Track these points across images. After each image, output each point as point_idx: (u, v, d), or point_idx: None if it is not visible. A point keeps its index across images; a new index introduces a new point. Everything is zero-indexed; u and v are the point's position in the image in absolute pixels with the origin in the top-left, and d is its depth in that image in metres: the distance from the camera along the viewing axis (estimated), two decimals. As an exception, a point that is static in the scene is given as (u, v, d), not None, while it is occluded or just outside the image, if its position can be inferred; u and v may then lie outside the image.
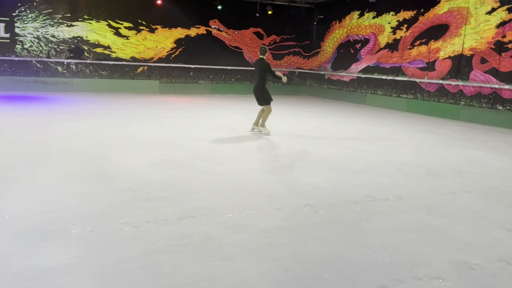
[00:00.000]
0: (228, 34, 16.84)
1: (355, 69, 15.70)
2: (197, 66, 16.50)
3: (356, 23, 15.58)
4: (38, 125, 7.96)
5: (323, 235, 3.51)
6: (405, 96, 13.65)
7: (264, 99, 8.12)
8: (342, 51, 16.36)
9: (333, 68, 16.94)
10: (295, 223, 3.75)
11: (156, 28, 15.74)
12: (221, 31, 16.70)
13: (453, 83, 11.98)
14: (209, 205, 4.13)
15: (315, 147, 7.19)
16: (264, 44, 8.61)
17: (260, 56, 8.12)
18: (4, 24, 13.74)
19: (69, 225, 3.44)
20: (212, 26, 16.54)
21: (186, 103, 13.40)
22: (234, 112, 11.56)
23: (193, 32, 16.31)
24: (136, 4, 15.36)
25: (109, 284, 2.60)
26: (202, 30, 16.43)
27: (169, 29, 15.93)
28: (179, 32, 16.14)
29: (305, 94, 18.35)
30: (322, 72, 17.57)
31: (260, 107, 8.33)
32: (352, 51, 15.81)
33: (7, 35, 13.85)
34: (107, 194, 4.25)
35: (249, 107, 12.77)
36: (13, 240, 3.10)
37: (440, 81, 12.38)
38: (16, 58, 14.01)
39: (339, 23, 16.46)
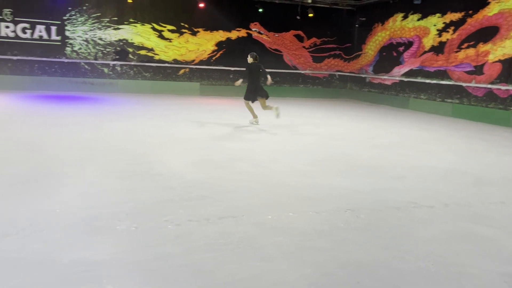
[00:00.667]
0: (269, 37, 16.90)
1: (398, 73, 15.34)
2: (237, 69, 16.65)
3: (400, 26, 15.22)
4: (87, 124, 8.30)
5: (365, 241, 3.45)
6: (450, 100, 13.19)
7: (266, 93, 9.39)
8: (384, 54, 16.03)
9: (374, 71, 16.63)
10: (336, 227, 3.71)
11: (198, 31, 16.04)
12: (261, 33, 16.79)
13: (503, 87, 11.45)
14: (249, 206, 4.15)
15: (355, 151, 7.08)
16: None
17: (254, 61, 9.40)
18: (55, 27, 14.45)
19: (115, 221, 3.56)
20: (253, 29, 16.66)
21: (226, 105, 13.56)
22: (272, 114, 11.55)
23: (234, 35, 16.49)
24: (180, 7, 15.72)
25: (154, 280, 2.67)
26: (243, 33, 16.59)
27: (210, 32, 16.19)
28: (220, 35, 16.37)
29: (345, 97, 18.11)
30: (363, 75, 17.28)
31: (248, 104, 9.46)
32: (394, 54, 15.46)
33: (59, 38, 14.55)
34: (151, 192, 4.37)
35: (288, 109, 12.75)
36: (64, 233, 3.25)
37: (489, 86, 11.87)
38: (66, 60, 14.68)
39: (381, 25, 16.15)
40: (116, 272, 2.73)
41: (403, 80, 15.08)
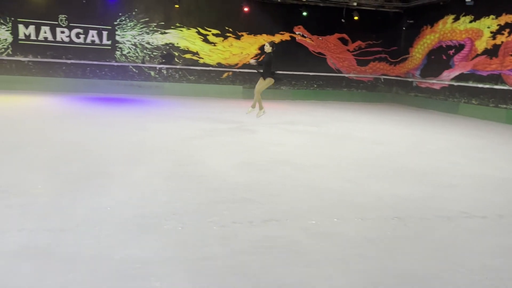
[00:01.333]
0: (312, 40, 16.80)
1: (447, 77, 14.78)
2: (279, 72, 16.63)
3: (450, 28, 14.67)
4: (134, 125, 8.57)
5: (414, 250, 3.34)
6: (505, 106, 12.54)
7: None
8: (433, 57, 15.50)
9: (422, 75, 16.11)
10: (383, 235, 3.61)
11: (242, 35, 16.19)
12: (305, 37, 16.71)
13: None
14: (292, 209, 4.13)
15: (402, 157, 6.88)
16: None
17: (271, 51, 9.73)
18: (106, 32, 15.07)
19: (162, 220, 3.64)
20: (297, 33, 16.62)
21: (268, 108, 13.56)
22: (315, 118, 11.48)
23: (277, 38, 16.50)
24: (225, 12, 15.94)
25: (199, 279, 2.71)
26: (286, 36, 16.58)
27: (254, 35, 16.30)
28: (264, 39, 16.42)
29: (390, 102, 17.65)
30: (409, 79, 16.79)
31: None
32: (444, 57, 14.90)
33: (109, 42, 15.15)
34: (196, 193, 4.45)
35: (332, 113, 12.61)
36: (114, 231, 3.36)
37: (547, 91, 11.18)
38: (116, 63, 15.26)
39: (430, 27, 15.63)
40: (163, 270, 2.80)
41: (452, 85, 14.51)
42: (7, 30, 14.17)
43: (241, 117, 10.80)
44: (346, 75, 17.39)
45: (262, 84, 9.74)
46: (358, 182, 5.25)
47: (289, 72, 16.69)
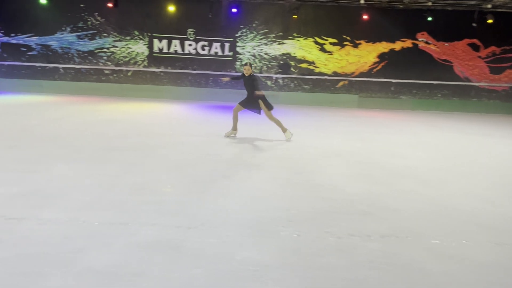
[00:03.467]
0: (437, 47, 15.70)
1: None
2: (399, 81, 15.89)
3: None
4: (252, 132, 8.91)
5: None
6: None
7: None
8: None
9: None
10: (524, 264, 3.18)
11: (360, 43, 15.84)
12: (429, 43, 15.69)
13: None
14: (414, 227, 3.87)
15: (546, 177, 6.01)
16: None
17: (251, 71, 7.98)
18: (229, 44, 16.01)
19: (279, 226, 3.71)
20: (420, 39, 15.69)
21: (386, 118, 13.03)
22: (440, 130, 10.67)
23: (397, 45, 15.81)
24: (343, 20, 15.79)
25: (317, 289, 2.69)
26: (408, 43, 15.78)
27: (373, 43, 15.83)
28: (383, 46, 15.88)
29: (530, 114, 15.62)
30: (555, 88, 14.66)
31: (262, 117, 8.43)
32: None
33: (230, 54, 16.08)
34: (312, 202, 4.44)
35: (457, 124, 11.59)
36: (235, 232, 3.52)
37: None
38: (235, 73, 16.09)
39: None
40: (280, 275, 2.83)
41: None
42: (144, 45, 15.94)
43: (357, 127, 10.55)
44: (476, 84, 15.87)
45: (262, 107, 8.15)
46: (493, 202, 4.73)
47: (409, 80, 15.84)
